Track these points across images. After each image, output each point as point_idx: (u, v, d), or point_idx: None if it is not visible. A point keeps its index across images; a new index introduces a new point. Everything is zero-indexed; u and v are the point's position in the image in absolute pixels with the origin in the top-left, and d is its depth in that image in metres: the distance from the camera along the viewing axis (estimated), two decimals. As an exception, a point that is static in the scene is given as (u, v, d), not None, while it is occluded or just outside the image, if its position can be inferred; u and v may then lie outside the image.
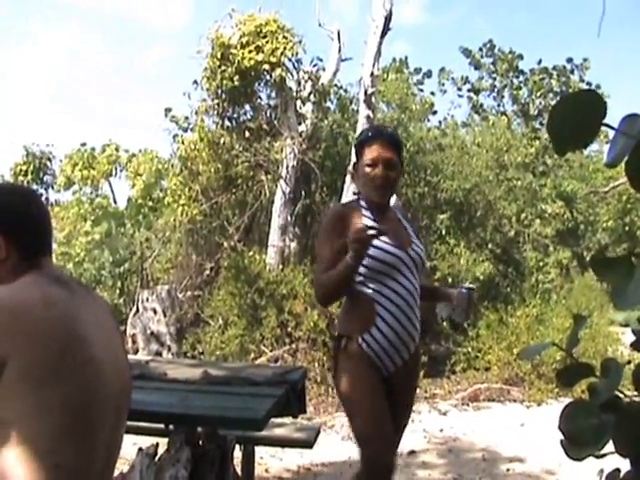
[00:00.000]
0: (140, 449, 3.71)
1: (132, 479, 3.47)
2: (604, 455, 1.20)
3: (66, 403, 2.07)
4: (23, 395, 2.01)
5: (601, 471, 1.37)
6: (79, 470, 2.13)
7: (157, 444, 3.76)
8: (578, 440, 1.21)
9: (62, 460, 2.06)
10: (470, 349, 10.39)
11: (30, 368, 2.01)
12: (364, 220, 3.53)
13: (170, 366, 4.70)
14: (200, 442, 3.76)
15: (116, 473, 6.02)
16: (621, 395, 1.23)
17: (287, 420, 5.00)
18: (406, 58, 21.18)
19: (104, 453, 2.26)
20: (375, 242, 3.38)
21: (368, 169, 3.57)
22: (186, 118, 13.80)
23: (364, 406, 3.52)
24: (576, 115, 1.09)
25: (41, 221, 2.40)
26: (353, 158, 10.73)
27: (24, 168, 15.84)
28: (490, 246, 12.45)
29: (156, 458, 3.63)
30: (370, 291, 3.50)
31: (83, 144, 17.86)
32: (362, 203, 3.64)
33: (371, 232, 3.21)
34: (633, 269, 1.09)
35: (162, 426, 4.08)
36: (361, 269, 3.43)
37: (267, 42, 11.31)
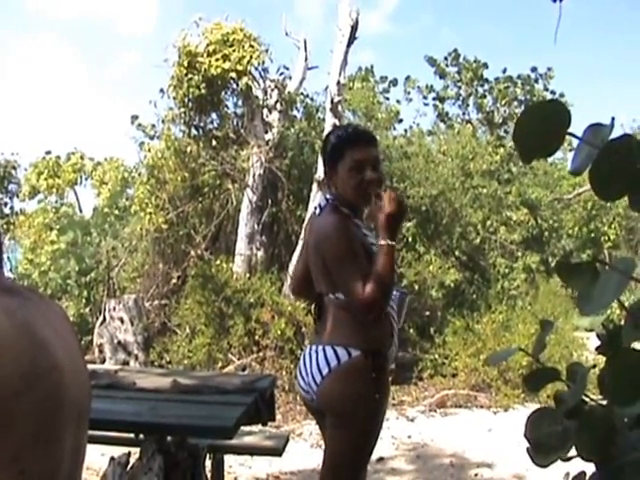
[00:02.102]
0: (112, 458, 3.71)
1: (103, 488, 3.46)
2: (570, 458, 1.22)
3: (34, 410, 2.06)
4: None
5: (567, 475, 1.39)
6: (45, 476, 2.12)
7: (129, 453, 3.76)
8: (543, 447, 1.23)
9: (27, 467, 2.05)
10: (437, 356, 10.45)
11: (5, 380, 2.00)
12: (363, 230, 3.43)
13: (139, 375, 4.69)
14: (172, 451, 3.76)
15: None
16: (586, 399, 1.25)
17: (255, 428, 5.00)
18: (372, 67, 21.28)
19: (70, 458, 2.25)
20: (374, 249, 3.33)
21: (353, 172, 3.38)
22: (153, 126, 13.77)
23: (370, 442, 3.41)
24: (541, 124, 1.11)
25: None
26: (321, 165, 10.72)
27: (-12, 177, 15.79)
28: (457, 253, 12.53)
29: (128, 467, 3.62)
30: None
31: (48, 152, 17.76)
32: (344, 209, 3.44)
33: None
34: (597, 275, 1.11)
35: (132, 435, 4.08)
36: None
37: (234, 50, 11.29)
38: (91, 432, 3.77)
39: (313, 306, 3.60)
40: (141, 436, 3.85)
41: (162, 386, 4.22)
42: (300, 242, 10.81)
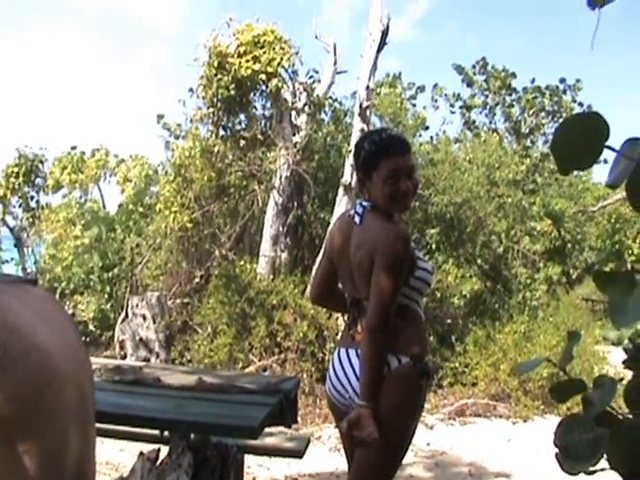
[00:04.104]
0: (141, 453, 3.72)
1: (132, 483, 3.48)
2: (594, 472, 1.22)
3: (18, 391, 2.08)
4: None
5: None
6: (51, 454, 2.13)
7: (159, 449, 3.76)
8: (573, 454, 1.23)
9: (30, 445, 2.07)
10: (457, 364, 10.42)
11: None
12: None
13: (164, 372, 4.70)
14: (201, 448, 3.76)
15: (115, 476, 6.05)
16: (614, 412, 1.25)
17: (275, 430, 5.00)
18: (400, 73, 21.28)
19: (77, 439, 2.26)
20: (421, 264, 3.34)
21: (389, 181, 3.32)
22: (178, 125, 13.82)
23: (403, 452, 3.37)
24: (579, 137, 1.12)
25: None
26: (347, 170, 10.70)
27: (15, 170, 15.79)
28: (479, 262, 12.50)
29: (157, 463, 3.63)
30: (416, 305, 3.37)
31: (73, 147, 17.84)
32: (384, 216, 3.38)
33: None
34: (634, 285, 1.11)
35: (153, 432, 4.10)
36: (408, 291, 3.30)
37: (264, 52, 11.32)
38: (110, 426, 3.81)
39: (337, 308, 3.58)
40: (166, 433, 3.87)
41: (187, 384, 4.23)
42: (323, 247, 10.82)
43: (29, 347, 2.13)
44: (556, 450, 1.26)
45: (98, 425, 2.16)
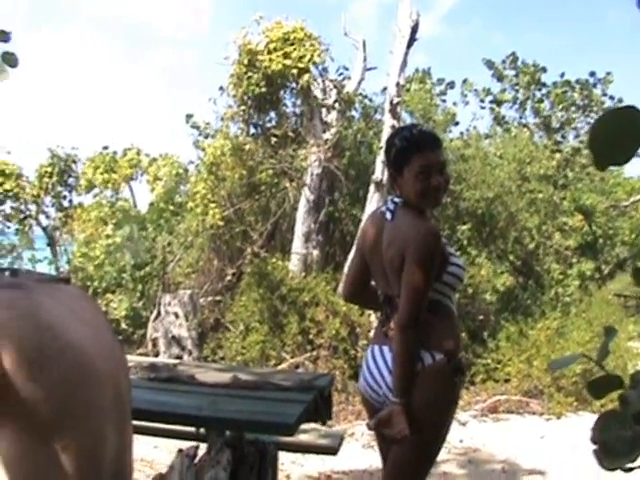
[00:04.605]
0: (180, 450, 3.74)
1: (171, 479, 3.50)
2: (632, 469, 1.22)
3: (53, 391, 2.11)
4: (15, 391, 2.05)
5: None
6: (89, 451, 2.16)
7: (197, 446, 3.78)
8: (611, 451, 1.23)
9: (68, 442, 2.10)
10: (490, 360, 10.38)
11: (14, 366, 2.05)
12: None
13: (198, 370, 4.72)
14: (240, 445, 3.77)
15: (150, 472, 6.08)
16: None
17: (308, 427, 5.00)
18: (429, 69, 21.21)
19: (115, 435, 2.28)
20: (453, 259, 3.35)
21: (420, 177, 3.33)
22: (207, 124, 13.86)
23: (438, 449, 3.39)
24: (617, 131, 1.11)
25: None
26: (378, 166, 10.69)
27: (49, 170, 15.91)
28: (511, 258, 12.44)
29: (195, 460, 3.65)
30: (448, 300, 3.38)
31: (105, 147, 17.92)
32: (416, 212, 3.39)
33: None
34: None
35: (190, 429, 4.12)
36: (440, 286, 3.31)
37: (294, 49, 11.33)
38: (144, 423, 3.83)
39: (370, 306, 3.58)
40: (202, 430, 3.89)
41: (222, 381, 4.25)
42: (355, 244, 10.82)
43: (64, 346, 2.15)
44: (593, 447, 1.26)
45: (133, 422, 2.18)
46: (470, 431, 8.33)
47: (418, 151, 3.35)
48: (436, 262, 3.24)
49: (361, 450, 7.42)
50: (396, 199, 3.43)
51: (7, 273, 2.45)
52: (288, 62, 11.25)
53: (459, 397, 3.43)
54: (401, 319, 3.19)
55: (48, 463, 2.08)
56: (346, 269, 10.84)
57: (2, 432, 2.00)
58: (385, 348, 3.40)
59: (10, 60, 7.37)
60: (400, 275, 3.30)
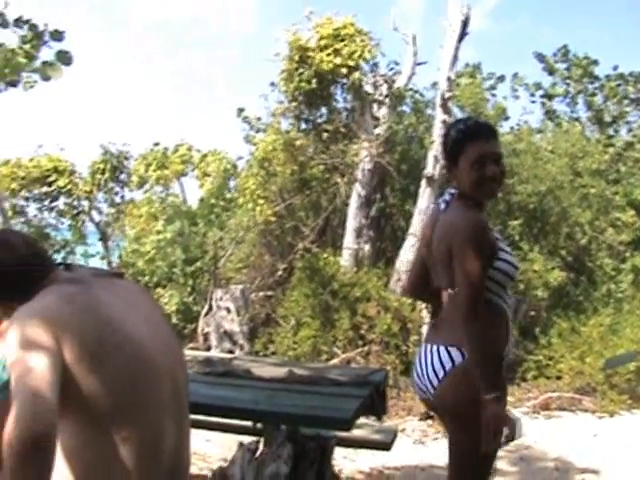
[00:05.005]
0: (241, 444, 3.77)
1: (232, 473, 3.53)
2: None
3: (116, 382, 2.15)
4: (76, 384, 2.09)
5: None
6: (149, 443, 2.20)
7: (258, 440, 3.81)
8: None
9: (128, 434, 2.14)
10: (541, 357, 10.29)
11: (76, 360, 2.10)
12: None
13: (253, 364, 4.75)
14: (301, 440, 3.79)
15: (203, 466, 6.13)
16: None
17: (360, 422, 5.01)
18: (479, 63, 21.06)
19: (173, 428, 2.32)
20: (506, 248, 3.30)
21: (475, 167, 3.30)
22: (258, 119, 13.90)
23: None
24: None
25: (22, 262, 2.48)
26: (430, 161, 10.66)
27: (101, 166, 16.08)
28: (562, 253, 12.33)
29: (257, 454, 3.68)
30: (498, 298, 3.30)
31: (156, 144, 18.05)
32: (470, 203, 3.37)
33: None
34: None
35: (244, 423, 4.14)
36: (502, 278, 3.27)
37: (345, 45, 11.34)
38: (199, 417, 3.86)
39: (432, 301, 3.57)
40: (258, 425, 3.91)
41: (278, 375, 4.27)
42: (409, 238, 10.81)
43: (123, 340, 2.20)
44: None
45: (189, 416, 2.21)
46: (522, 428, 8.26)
47: (473, 140, 3.34)
48: (485, 252, 3.21)
49: (412, 446, 7.42)
50: (452, 190, 3.43)
51: (61, 268, 2.51)
52: (338, 60, 11.25)
53: (502, 393, 3.21)
54: (462, 314, 3.16)
55: (108, 454, 2.13)
56: (397, 264, 10.88)
57: (64, 424, 2.05)
58: (434, 347, 3.36)
59: (64, 58, 7.45)
60: (447, 266, 3.30)
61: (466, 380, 3.21)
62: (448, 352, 3.27)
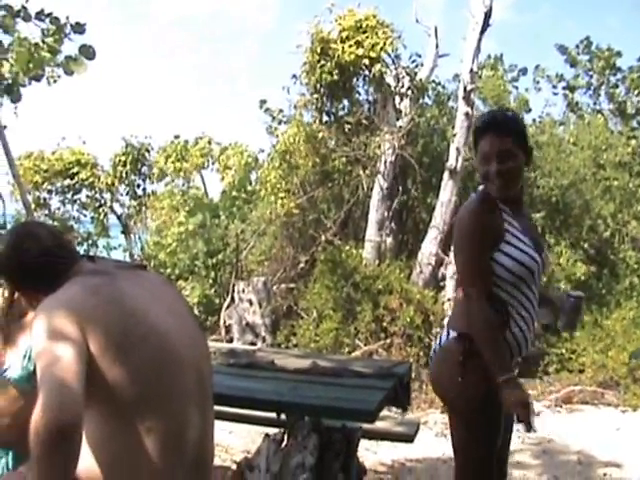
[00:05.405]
0: (267, 435, 3.78)
1: (258, 464, 3.54)
2: None
3: (138, 373, 2.16)
4: (101, 375, 2.11)
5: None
6: (173, 434, 2.22)
7: (284, 431, 3.81)
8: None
9: (153, 424, 2.16)
10: (564, 350, 10.26)
11: (101, 351, 2.11)
12: (504, 216, 3.25)
13: (277, 356, 4.76)
14: (326, 431, 3.79)
15: (225, 457, 6.15)
16: None
17: (383, 414, 5.00)
18: (501, 55, 20.96)
19: (198, 420, 2.33)
20: (520, 245, 3.20)
21: (482, 161, 3.28)
22: (280, 111, 13.89)
23: (482, 428, 3.28)
24: None
25: (47, 253, 2.51)
26: (452, 153, 10.64)
27: (123, 159, 16.10)
28: (585, 246, 12.27)
29: (282, 445, 3.68)
30: (505, 294, 3.20)
31: (177, 136, 18.07)
32: (486, 195, 3.33)
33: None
34: None
35: (267, 414, 4.15)
36: (503, 272, 3.17)
37: (367, 37, 11.32)
38: (222, 408, 3.88)
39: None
40: (282, 416, 3.92)
41: (301, 367, 4.27)
42: (431, 230, 10.83)
43: (147, 332, 2.22)
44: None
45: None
46: (544, 421, 8.22)
47: (482, 135, 3.34)
48: (485, 243, 3.19)
49: (434, 438, 7.41)
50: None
51: (85, 259, 2.53)
52: (360, 52, 11.23)
53: (485, 380, 3.15)
54: (461, 298, 3.22)
55: (133, 445, 2.15)
56: (419, 257, 10.87)
57: (89, 414, 2.06)
58: (442, 333, 3.39)
59: (87, 52, 7.49)
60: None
61: (441, 360, 3.32)
62: (447, 335, 3.31)
